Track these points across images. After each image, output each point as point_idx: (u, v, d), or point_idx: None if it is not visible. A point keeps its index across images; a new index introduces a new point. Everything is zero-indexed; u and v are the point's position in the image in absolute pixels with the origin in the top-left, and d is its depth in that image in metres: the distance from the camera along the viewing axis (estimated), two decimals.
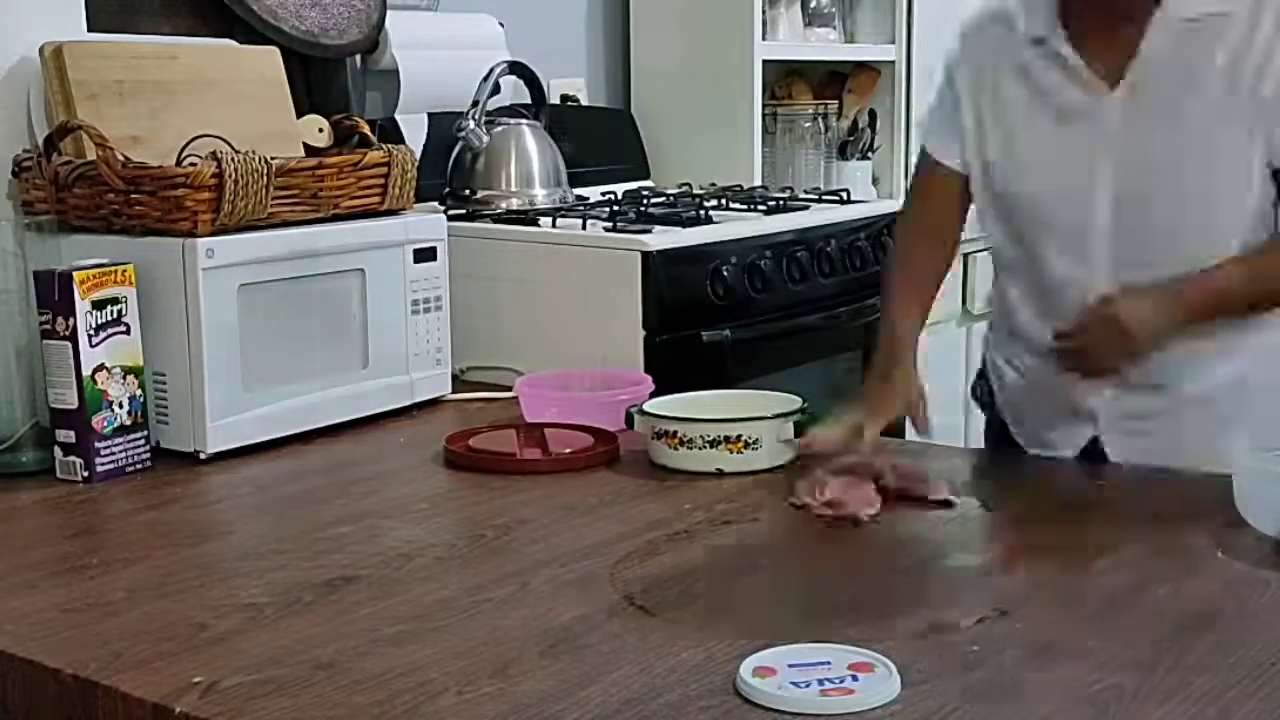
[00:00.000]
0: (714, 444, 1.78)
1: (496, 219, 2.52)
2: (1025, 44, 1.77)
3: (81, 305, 1.79)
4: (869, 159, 3.62)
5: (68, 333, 1.79)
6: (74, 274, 1.79)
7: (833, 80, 3.65)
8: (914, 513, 1.65)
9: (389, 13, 2.67)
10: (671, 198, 2.80)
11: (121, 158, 1.91)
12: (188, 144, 1.95)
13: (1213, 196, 1.69)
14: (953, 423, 2.59)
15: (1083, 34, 1.72)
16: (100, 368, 1.81)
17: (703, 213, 2.56)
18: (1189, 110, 1.66)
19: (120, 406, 1.83)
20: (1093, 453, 1.86)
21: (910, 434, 1.94)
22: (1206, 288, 1.67)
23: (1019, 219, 1.83)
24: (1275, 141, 1.66)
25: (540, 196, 2.66)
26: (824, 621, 1.31)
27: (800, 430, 1.79)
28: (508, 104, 2.78)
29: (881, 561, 1.53)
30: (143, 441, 1.86)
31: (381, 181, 2.12)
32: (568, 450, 1.87)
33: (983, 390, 2.03)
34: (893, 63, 3.59)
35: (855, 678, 1.16)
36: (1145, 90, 1.68)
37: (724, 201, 2.75)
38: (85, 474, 1.80)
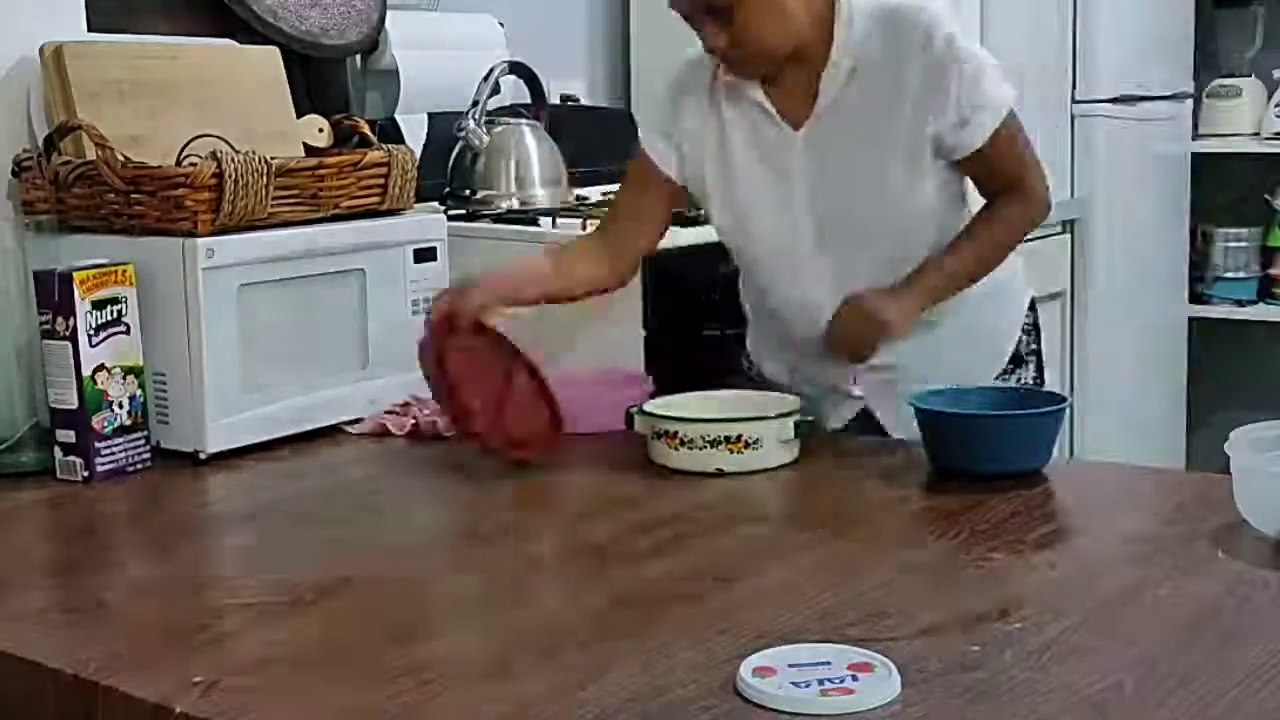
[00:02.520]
0: (714, 444, 1.78)
1: (496, 219, 2.52)
2: (723, 94, 1.95)
3: (81, 305, 1.79)
4: None
5: (68, 333, 1.79)
6: (74, 274, 1.79)
7: None
8: (917, 511, 1.65)
9: (389, 13, 2.67)
10: None
11: (121, 158, 1.91)
12: (188, 144, 1.95)
13: (898, 207, 1.91)
14: None
15: (771, 78, 1.92)
16: (100, 368, 1.81)
17: (702, 213, 2.56)
18: (863, 138, 1.89)
19: (120, 406, 1.83)
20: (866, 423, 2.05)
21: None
22: (938, 272, 1.92)
23: (743, 253, 2.03)
24: (942, 143, 1.88)
25: (540, 196, 2.66)
26: (824, 622, 1.31)
27: (798, 431, 1.80)
28: (508, 104, 2.78)
29: (882, 561, 1.53)
30: (143, 441, 1.86)
31: (381, 181, 2.12)
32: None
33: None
34: None
35: (855, 678, 1.16)
36: (825, 127, 1.90)
37: None
38: (85, 474, 1.80)
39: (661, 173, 1.99)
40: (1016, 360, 2.08)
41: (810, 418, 1.85)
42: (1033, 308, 2.14)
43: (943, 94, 1.85)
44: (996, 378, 2.05)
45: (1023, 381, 2.08)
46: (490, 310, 1.91)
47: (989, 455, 1.72)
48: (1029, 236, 2.03)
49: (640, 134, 2.04)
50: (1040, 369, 2.13)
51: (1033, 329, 2.13)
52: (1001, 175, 1.92)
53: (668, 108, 2.00)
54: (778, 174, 1.93)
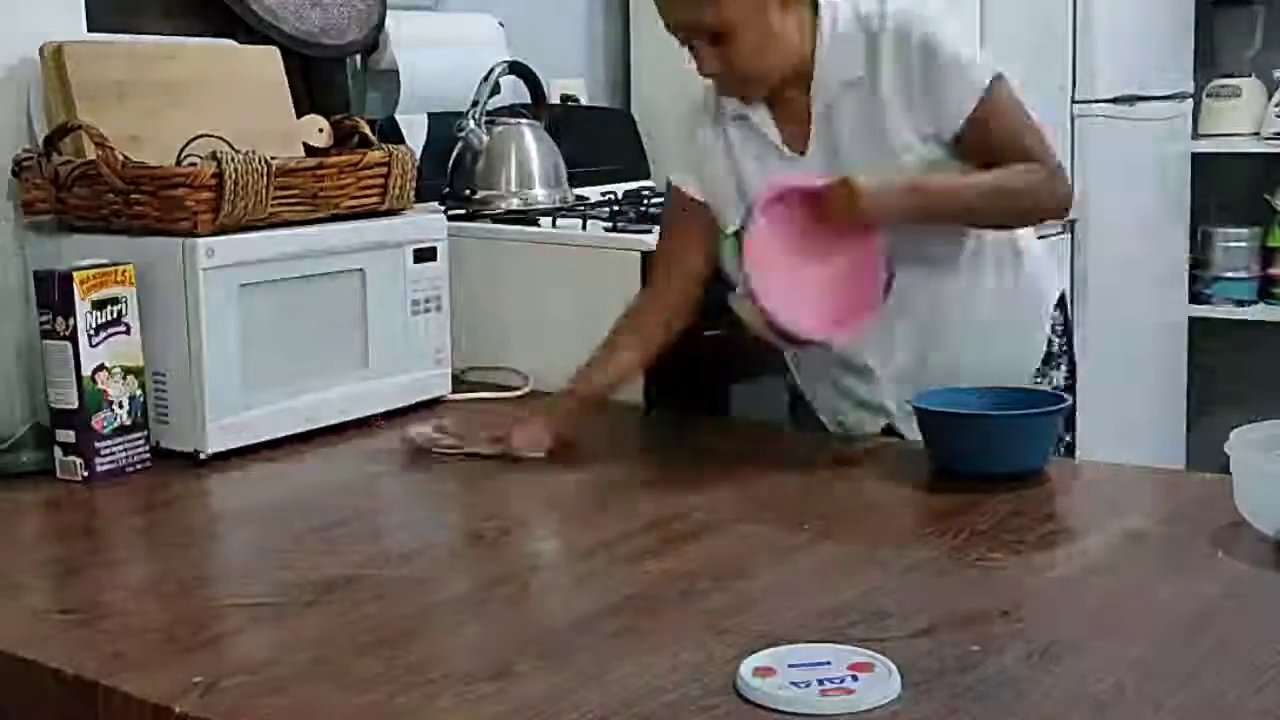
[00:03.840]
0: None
1: (496, 219, 2.52)
2: (729, 121, 1.96)
3: (81, 305, 1.79)
4: None
5: (68, 333, 1.79)
6: (74, 274, 1.79)
7: None
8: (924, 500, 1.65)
9: (389, 13, 2.67)
10: None
11: (121, 158, 1.91)
12: (188, 144, 1.96)
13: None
14: None
15: (772, 106, 1.93)
16: (100, 368, 1.81)
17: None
18: (865, 153, 1.87)
19: (120, 406, 1.83)
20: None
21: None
22: (936, 183, 1.87)
23: None
24: (938, 134, 1.87)
25: (540, 196, 2.66)
26: (824, 622, 1.31)
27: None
28: (508, 104, 2.78)
29: (882, 561, 1.53)
30: (143, 441, 1.86)
31: (381, 181, 2.12)
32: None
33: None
34: None
35: (855, 678, 1.16)
36: (826, 147, 1.90)
37: None
38: (85, 474, 1.80)
39: (693, 198, 1.99)
40: (1048, 360, 2.05)
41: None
42: (1061, 305, 2.09)
43: (925, 88, 1.84)
44: (1029, 380, 2.01)
45: (1054, 384, 2.04)
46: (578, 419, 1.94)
47: (989, 455, 1.73)
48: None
49: (669, 178, 2.05)
50: (1073, 369, 2.09)
51: (1064, 327, 2.08)
52: (1004, 152, 1.87)
53: (684, 141, 2.03)
54: None
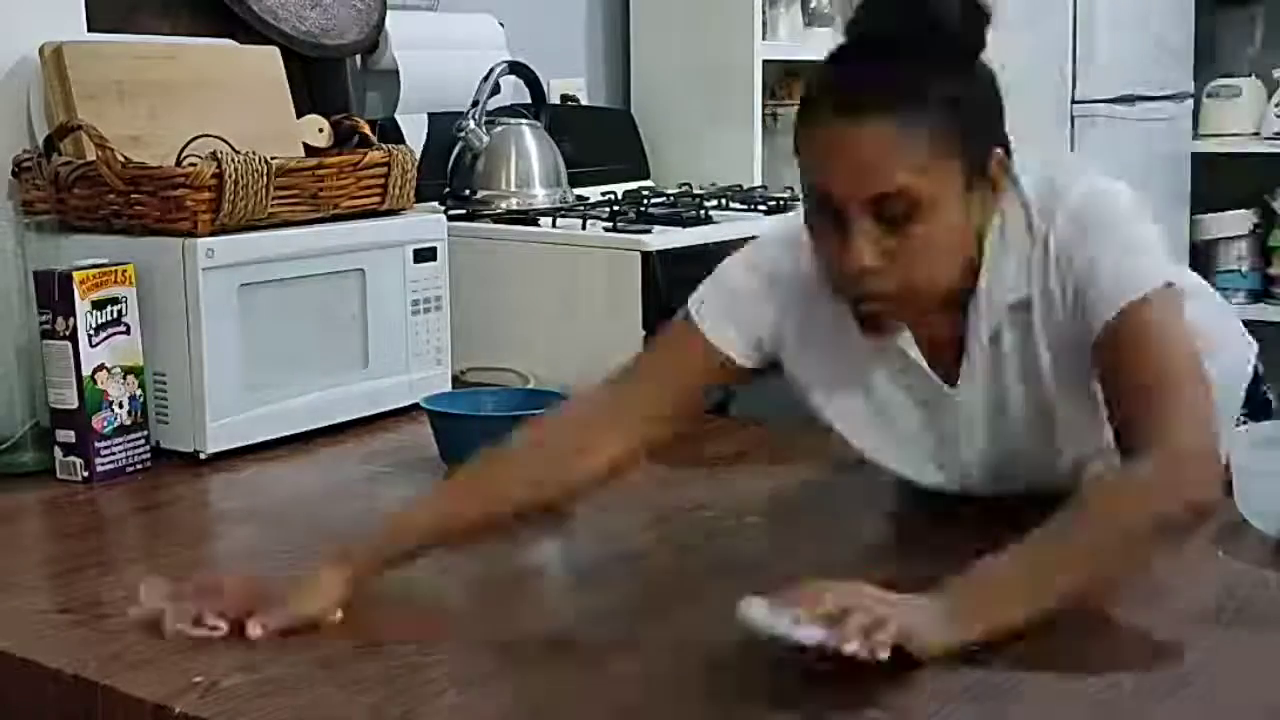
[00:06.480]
0: None
1: (496, 219, 2.52)
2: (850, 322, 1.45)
3: (81, 305, 1.79)
4: None
5: (68, 333, 1.79)
6: (74, 274, 1.79)
7: None
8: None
9: (389, 13, 2.67)
10: (671, 198, 2.80)
11: (121, 158, 1.91)
12: (188, 144, 1.96)
13: (1079, 437, 1.50)
14: None
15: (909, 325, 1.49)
16: (100, 368, 1.81)
17: (703, 213, 2.56)
18: (1028, 386, 1.49)
19: (120, 406, 1.83)
20: None
21: None
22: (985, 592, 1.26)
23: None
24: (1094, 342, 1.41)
25: (540, 196, 2.66)
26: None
27: None
28: (508, 104, 2.78)
29: (882, 562, 1.53)
30: (143, 441, 1.86)
31: (381, 181, 2.12)
32: None
33: None
34: None
35: None
36: (988, 385, 1.50)
37: (724, 201, 2.74)
38: (85, 474, 1.80)
39: (717, 350, 1.52)
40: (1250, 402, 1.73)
41: None
42: (1255, 379, 1.80)
43: (1085, 282, 1.40)
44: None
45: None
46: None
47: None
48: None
49: (692, 306, 1.54)
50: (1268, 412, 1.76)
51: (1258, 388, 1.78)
52: (1128, 395, 1.36)
53: (746, 299, 1.53)
54: (930, 422, 1.55)
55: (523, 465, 1.46)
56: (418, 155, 2.23)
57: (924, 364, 1.50)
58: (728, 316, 1.53)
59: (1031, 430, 1.51)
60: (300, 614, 1.31)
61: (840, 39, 1.43)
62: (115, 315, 1.83)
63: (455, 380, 2.25)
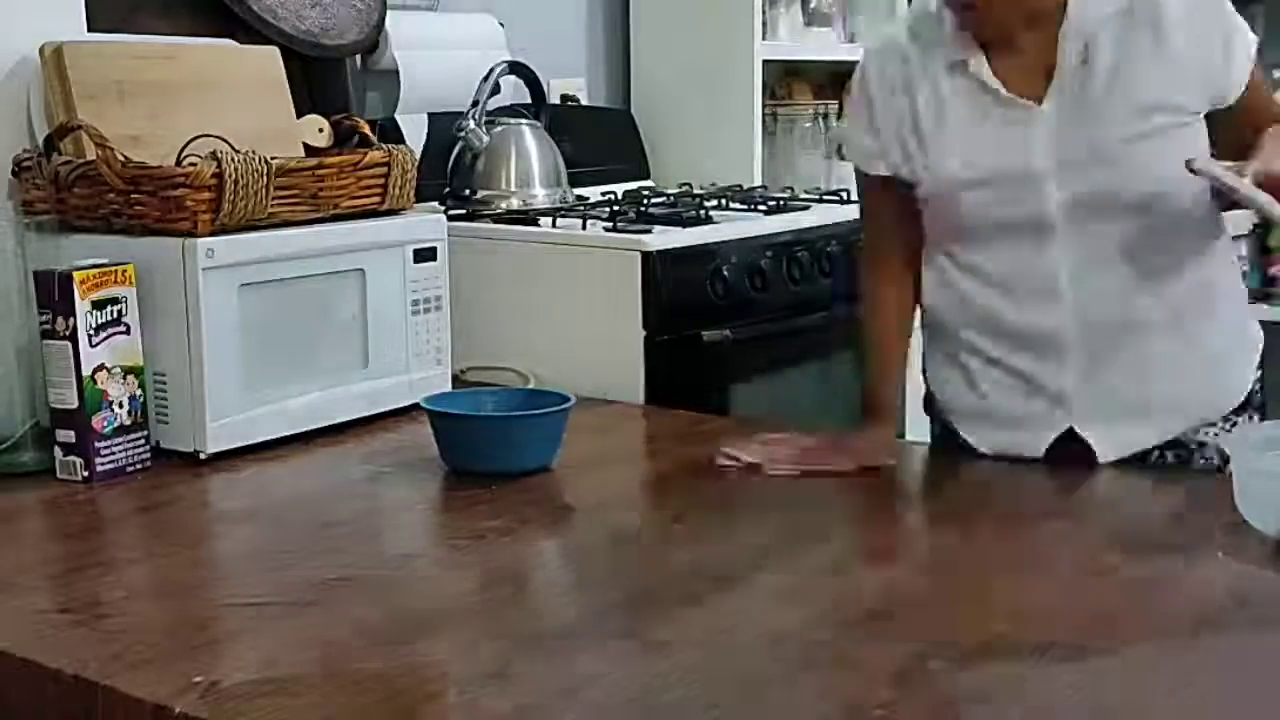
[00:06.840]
0: None
1: (496, 219, 2.52)
2: (941, 70, 1.77)
3: (81, 305, 1.79)
4: None
5: (68, 333, 1.79)
6: (74, 274, 1.79)
7: (833, 80, 3.65)
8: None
9: (389, 13, 2.67)
10: (671, 198, 2.80)
11: (121, 158, 1.91)
12: (188, 144, 1.96)
13: (1149, 171, 1.71)
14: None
15: (992, 53, 1.74)
16: (100, 368, 1.81)
17: (703, 213, 2.56)
18: (1120, 103, 1.70)
19: (120, 406, 1.83)
20: (1065, 448, 1.77)
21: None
22: None
23: (962, 218, 1.80)
24: (1206, 90, 1.70)
25: (540, 196, 2.66)
26: (825, 621, 1.31)
27: None
28: (508, 104, 2.78)
29: (882, 562, 1.53)
30: (143, 441, 1.86)
31: (381, 181, 2.12)
32: None
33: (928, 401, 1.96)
34: None
35: None
36: (1072, 96, 1.71)
37: (724, 201, 2.75)
38: (85, 474, 1.80)
39: (888, 178, 1.84)
40: (1248, 403, 1.83)
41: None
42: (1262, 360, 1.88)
43: (1201, 38, 1.68)
44: (1225, 418, 1.81)
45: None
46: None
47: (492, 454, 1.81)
48: None
49: (848, 154, 1.90)
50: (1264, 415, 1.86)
51: (1261, 375, 1.87)
52: (1265, 121, 1.69)
53: (862, 106, 1.84)
54: (1015, 150, 1.74)
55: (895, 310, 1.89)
56: (418, 155, 2.23)
57: (1000, 87, 1.72)
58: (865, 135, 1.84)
59: (1112, 163, 1.69)
60: (871, 461, 1.75)
61: None
62: (115, 315, 1.83)
63: (455, 380, 2.25)
